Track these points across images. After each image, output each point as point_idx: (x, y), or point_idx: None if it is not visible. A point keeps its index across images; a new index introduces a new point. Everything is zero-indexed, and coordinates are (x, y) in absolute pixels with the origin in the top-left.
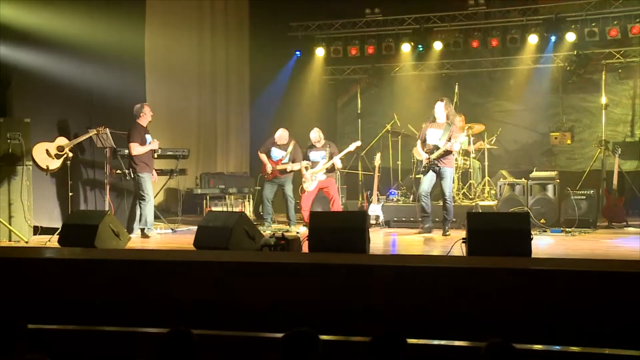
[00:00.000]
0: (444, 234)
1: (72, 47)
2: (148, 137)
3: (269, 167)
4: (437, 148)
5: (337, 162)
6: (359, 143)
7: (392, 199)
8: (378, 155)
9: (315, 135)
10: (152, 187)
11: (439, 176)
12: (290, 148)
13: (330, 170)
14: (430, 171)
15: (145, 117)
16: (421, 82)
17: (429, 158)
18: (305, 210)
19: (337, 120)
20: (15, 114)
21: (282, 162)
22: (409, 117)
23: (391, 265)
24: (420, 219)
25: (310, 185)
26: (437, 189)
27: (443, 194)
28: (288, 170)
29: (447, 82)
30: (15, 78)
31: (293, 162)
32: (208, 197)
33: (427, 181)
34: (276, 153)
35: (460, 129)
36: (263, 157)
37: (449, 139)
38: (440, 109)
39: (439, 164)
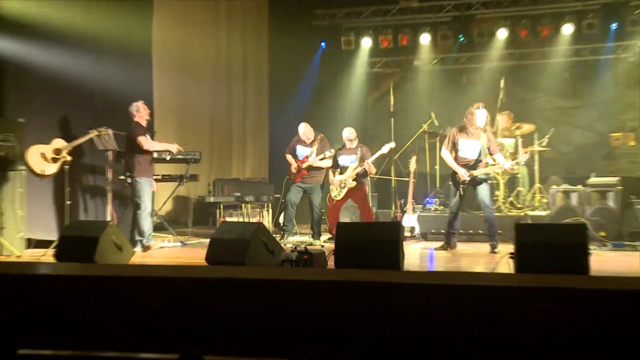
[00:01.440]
0: (493, 251)
1: (72, 39)
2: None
3: (294, 167)
4: (478, 162)
5: (368, 166)
6: (392, 144)
7: (430, 208)
8: (413, 159)
9: (349, 133)
10: (154, 196)
11: (475, 185)
12: (316, 145)
13: (361, 176)
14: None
15: (142, 116)
16: (462, 76)
17: (471, 174)
18: (331, 221)
19: (367, 120)
20: (9, 113)
21: (309, 159)
22: (448, 116)
23: (428, 283)
24: (445, 234)
25: (338, 193)
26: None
27: (483, 203)
28: (315, 165)
29: (492, 76)
30: (9, 72)
31: (322, 159)
32: (222, 206)
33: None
34: (302, 151)
35: (506, 130)
36: (289, 158)
37: (489, 150)
38: (482, 117)
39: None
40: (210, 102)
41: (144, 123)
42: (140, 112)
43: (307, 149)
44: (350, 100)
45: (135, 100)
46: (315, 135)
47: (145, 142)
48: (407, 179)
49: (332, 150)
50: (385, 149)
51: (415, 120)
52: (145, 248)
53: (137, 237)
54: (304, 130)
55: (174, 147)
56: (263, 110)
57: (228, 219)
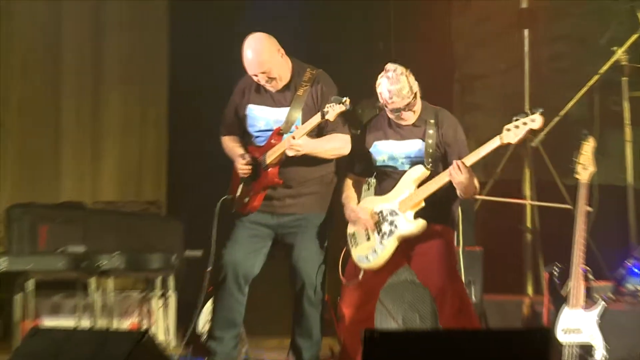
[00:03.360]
0: None
1: None
2: None
3: (242, 164)
4: None
5: (466, 175)
6: (536, 120)
7: (634, 289)
8: (588, 148)
9: (396, 85)
10: None
11: None
12: (302, 93)
13: (442, 202)
14: None
15: None
16: None
17: None
18: (350, 329)
19: (454, 40)
20: None
21: (284, 136)
22: None
23: None
24: None
25: (373, 250)
26: None
27: None
28: (302, 150)
29: None
30: None
31: (319, 134)
32: (28, 286)
33: None
34: (261, 115)
35: None
36: (229, 142)
37: None
38: None
39: None
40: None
41: None
42: None
43: (275, 111)
44: None
45: None
46: (294, 68)
47: None
48: (568, 207)
49: (346, 101)
50: (513, 134)
51: (587, 37)
52: None
53: None
54: (261, 55)
55: None
56: (157, 32)
57: (48, 322)
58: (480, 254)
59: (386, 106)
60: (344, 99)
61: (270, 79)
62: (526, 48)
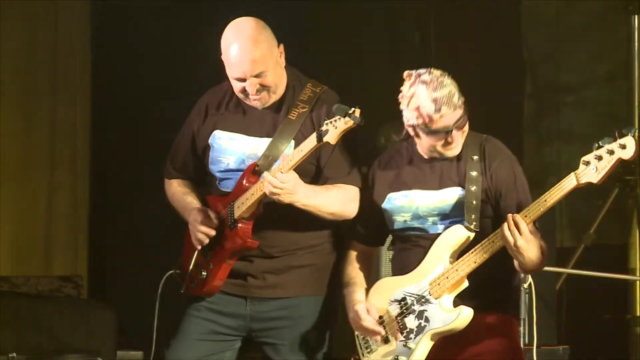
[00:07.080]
0: None
1: None
2: None
3: (201, 226)
4: None
5: (519, 239)
6: (627, 147)
7: None
8: None
9: (442, 89)
10: None
11: None
12: (296, 120)
13: (500, 275)
14: None
15: None
16: None
17: None
18: None
19: (526, 31)
20: None
21: (260, 177)
22: None
23: None
24: None
25: (391, 356)
26: None
27: None
28: (284, 195)
29: None
30: None
31: (318, 172)
32: None
33: None
34: (235, 146)
35: None
36: (179, 192)
37: None
38: None
39: None
40: None
41: None
42: None
43: (252, 142)
44: None
45: None
46: (289, 80)
47: None
48: None
49: (355, 112)
50: (593, 169)
51: None
52: None
53: None
54: (257, 48)
55: None
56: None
57: None
58: (566, 356)
59: (428, 127)
60: (352, 108)
61: (263, 89)
62: (636, 44)
